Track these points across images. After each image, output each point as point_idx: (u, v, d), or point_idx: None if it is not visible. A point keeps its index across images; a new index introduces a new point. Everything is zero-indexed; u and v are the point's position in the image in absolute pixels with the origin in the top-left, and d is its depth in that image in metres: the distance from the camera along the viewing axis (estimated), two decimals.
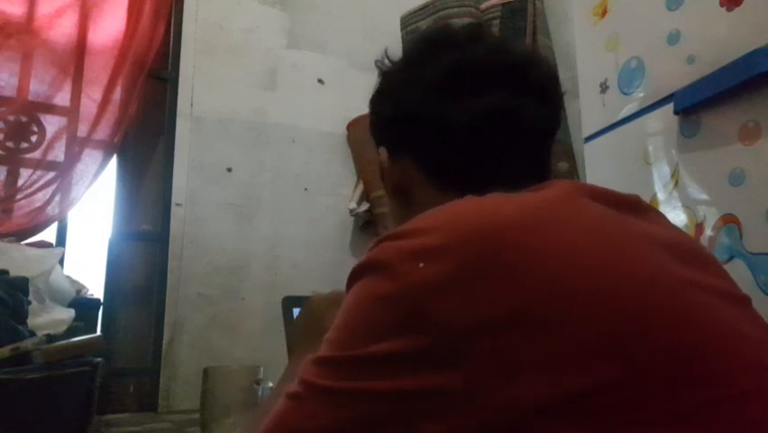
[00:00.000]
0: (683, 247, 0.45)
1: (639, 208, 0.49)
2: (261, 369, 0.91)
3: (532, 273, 0.36)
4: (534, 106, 0.53)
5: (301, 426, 0.39)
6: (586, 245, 0.39)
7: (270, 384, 0.91)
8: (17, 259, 1.33)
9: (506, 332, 0.34)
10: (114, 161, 1.82)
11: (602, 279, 0.37)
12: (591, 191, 0.46)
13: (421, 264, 0.37)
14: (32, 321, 1.19)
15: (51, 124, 1.70)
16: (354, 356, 0.38)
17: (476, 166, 0.52)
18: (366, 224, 2.06)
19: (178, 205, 1.84)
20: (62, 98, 1.71)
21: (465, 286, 0.36)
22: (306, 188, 2.04)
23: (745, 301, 0.45)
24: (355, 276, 0.42)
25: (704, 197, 0.99)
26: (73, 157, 1.68)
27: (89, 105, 1.72)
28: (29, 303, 1.20)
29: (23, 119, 1.66)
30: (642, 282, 0.38)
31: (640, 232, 0.43)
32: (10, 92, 1.63)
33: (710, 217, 0.96)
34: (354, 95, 2.06)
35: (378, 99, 0.62)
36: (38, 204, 1.62)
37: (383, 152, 0.59)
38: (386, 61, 0.62)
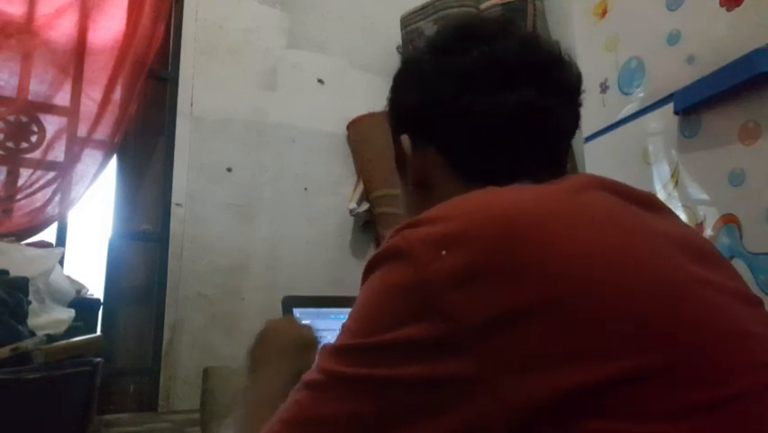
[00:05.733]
0: (696, 246, 0.45)
1: (654, 206, 0.49)
2: None
3: (551, 267, 0.36)
4: (562, 105, 0.53)
5: (321, 413, 0.39)
6: (604, 240, 0.39)
7: None
8: (17, 259, 1.33)
9: (524, 324, 0.35)
10: (114, 161, 1.82)
11: (618, 275, 0.37)
12: (610, 185, 0.47)
13: (443, 252, 0.37)
14: (32, 321, 1.19)
15: (51, 124, 1.69)
16: (373, 344, 0.38)
17: (502, 160, 0.52)
18: (366, 224, 2.06)
19: (178, 205, 1.84)
20: (62, 98, 1.71)
21: (486, 277, 0.36)
22: (306, 188, 2.04)
23: (756, 302, 0.45)
24: (374, 264, 0.41)
25: (704, 197, 0.99)
26: (73, 157, 1.68)
27: (89, 105, 1.72)
28: (29, 303, 1.20)
29: (23, 119, 1.66)
30: (655, 279, 0.38)
31: (655, 229, 0.44)
32: (10, 92, 1.63)
33: (710, 217, 0.96)
34: (354, 95, 2.06)
35: (402, 87, 0.60)
36: (38, 204, 1.62)
37: (406, 140, 0.58)
38: (410, 48, 0.61)
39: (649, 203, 0.49)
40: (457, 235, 0.38)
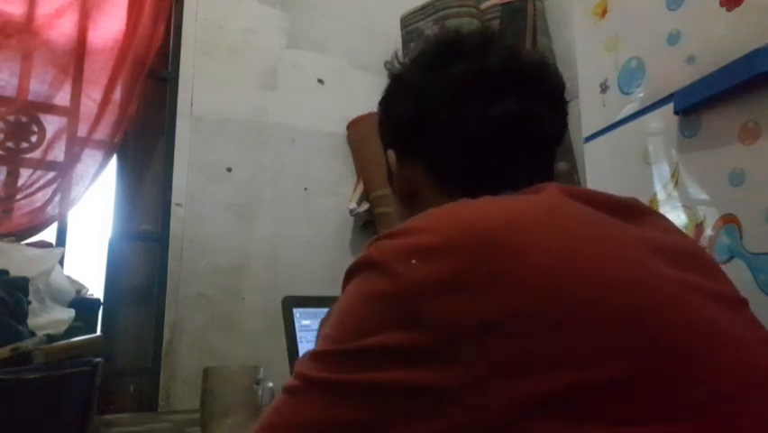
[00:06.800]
0: (678, 250, 0.46)
1: (634, 212, 0.50)
2: (261, 369, 0.91)
3: (524, 276, 0.36)
4: (547, 114, 0.54)
5: (299, 419, 0.40)
6: (576, 248, 0.39)
7: (271, 384, 0.91)
8: (17, 259, 1.33)
9: (498, 334, 0.35)
10: (114, 161, 1.82)
11: (592, 282, 0.37)
12: (581, 194, 0.47)
13: (414, 261, 0.38)
14: (32, 321, 1.19)
15: (51, 124, 1.69)
16: (349, 350, 0.39)
17: (488, 172, 0.53)
18: (366, 224, 2.06)
19: (178, 205, 1.84)
20: (62, 98, 1.71)
21: (460, 287, 0.36)
22: (306, 188, 2.04)
23: (740, 303, 0.46)
24: (350, 274, 0.42)
25: (704, 197, 0.99)
26: (73, 157, 1.68)
27: (89, 105, 1.72)
28: (29, 303, 1.20)
29: (23, 119, 1.66)
30: (636, 285, 0.38)
31: (630, 235, 0.44)
32: (10, 92, 1.63)
33: (710, 217, 0.96)
34: (354, 95, 2.06)
35: (389, 102, 0.62)
36: (38, 204, 1.62)
37: (391, 155, 0.59)
38: (395, 63, 0.62)
39: (628, 209, 0.49)
40: (429, 247, 0.38)
